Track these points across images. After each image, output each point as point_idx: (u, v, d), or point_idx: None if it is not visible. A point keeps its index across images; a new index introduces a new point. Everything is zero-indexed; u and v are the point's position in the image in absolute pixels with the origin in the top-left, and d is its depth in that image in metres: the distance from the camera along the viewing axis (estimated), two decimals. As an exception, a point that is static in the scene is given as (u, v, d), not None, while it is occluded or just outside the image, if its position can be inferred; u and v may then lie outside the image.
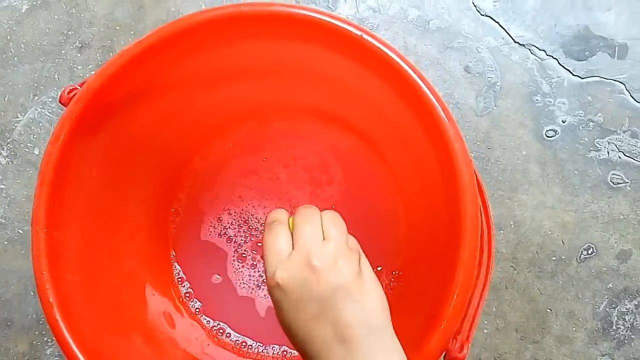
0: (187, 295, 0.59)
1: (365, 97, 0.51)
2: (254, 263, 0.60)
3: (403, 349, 0.38)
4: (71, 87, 0.45)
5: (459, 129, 0.41)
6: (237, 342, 0.59)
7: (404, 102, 0.44)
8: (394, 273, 0.58)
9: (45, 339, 0.67)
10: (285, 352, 0.58)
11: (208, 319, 0.59)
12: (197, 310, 0.59)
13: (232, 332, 0.59)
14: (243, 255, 0.61)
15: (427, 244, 0.52)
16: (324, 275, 0.37)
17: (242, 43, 0.47)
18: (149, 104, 0.49)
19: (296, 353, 0.58)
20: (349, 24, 0.42)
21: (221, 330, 0.59)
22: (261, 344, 0.59)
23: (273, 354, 0.58)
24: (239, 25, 0.44)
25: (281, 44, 0.47)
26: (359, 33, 0.42)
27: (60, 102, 0.44)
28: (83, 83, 0.44)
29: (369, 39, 0.42)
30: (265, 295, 0.60)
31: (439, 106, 0.41)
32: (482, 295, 0.43)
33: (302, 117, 0.61)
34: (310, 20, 0.43)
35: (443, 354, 0.40)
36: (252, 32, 0.46)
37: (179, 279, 0.60)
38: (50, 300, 0.41)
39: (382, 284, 0.42)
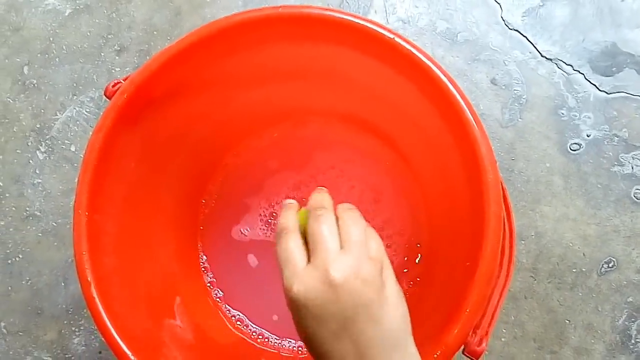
0: (211, 283, 0.61)
1: (394, 101, 0.53)
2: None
3: (423, 340, 0.38)
4: (116, 81, 0.47)
5: (485, 131, 0.42)
6: (255, 333, 0.60)
7: (432, 104, 0.46)
8: (417, 279, 0.60)
9: (73, 328, 0.69)
10: (300, 348, 0.60)
11: (229, 307, 0.61)
12: (219, 299, 0.61)
13: (250, 323, 0.60)
14: (266, 248, 0.62)
15: (448, 246, 0.53)
16: (343, 293, 0.35)
17: (278, 45, 0.50)
18: (186, 100, 0.52)
19: None
20: (383, 27, 0.44)
21: (240, 321, 0.60)
22: (277, 337, 0.60)
23: (289, 347, 0.60)
24: (276, 27, 0.47)
25: (315, 46, 0.50)
26: (391, 36, 0.44)
27: (105, 94, 0.47)
28: (127, 78, 0.47)
29: (401, 42, 0.44)
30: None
31: (466, 108, 0.42)
32: (502, 295, 0.44)
33: (334, 121, 0.63)
34: (346, 24, 0.45)
35: (462, 347, 0.41)
36: (288, 34, 0.49)
37: (204, 268, 0.62)
38: (89, 279, 0.43)
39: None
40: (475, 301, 0.40)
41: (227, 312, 0.61)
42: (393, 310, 0.36)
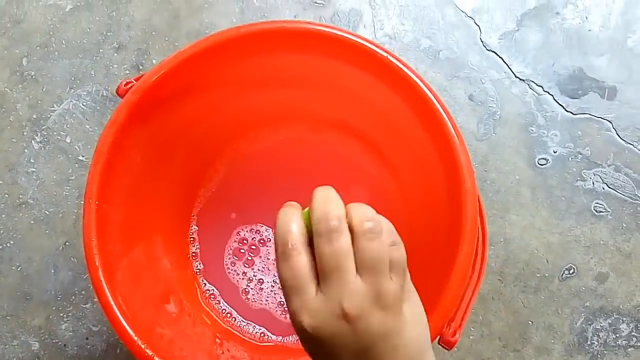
0: (194, 255, 0.65)
1: (383, 112, 0.57)
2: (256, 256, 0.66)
3: None
4: (127, 81, 0.51)
5: (465, 144, 0.47)
6: (224, 311, 0.63)
7: (419, 119, 0.51)
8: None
9: (61, 314, 0.71)
10: (262, 335, 0.63)
11: (205, 281, 0.65)
12: (198, 271, 0.65)
13: (221, 299, 0.64)
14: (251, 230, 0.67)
15: (425, 246, 0.58)
16: (359, 326, 0.31)
17: (278, 54, 0.54)
18: (192, 101, 0.56)
19: (273, 337, 0.63)
20: (377, 45, 0.49)
21: (212, 296, 0.64)
22: (244, 320, 0.63)
23: (253, 332, 0.63)
24: (281, 39, 0.51)
25: (314, 58, 0.54)
26: (384, 54, 0.48)
27: (116, 93, 0.51)
28: (139, 78, 0.50)
29: (393, 59, 0.48)
30: (258, 274, 0.65)
31: (450, 123, 0.47)
32: (475, 291, 0.49)
33: (328, 129, 0.67)
34: (341, 40, 0.50)
35: (437, 338, 0.46)
36: (288, 45, 0.53)
37: (191, 239, 0.66)
38: (97, 264, 0.46)
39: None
40: (452, 295, 0.45)
41: (203, 285, 0.64)
42: (412, 329, 0.34)
